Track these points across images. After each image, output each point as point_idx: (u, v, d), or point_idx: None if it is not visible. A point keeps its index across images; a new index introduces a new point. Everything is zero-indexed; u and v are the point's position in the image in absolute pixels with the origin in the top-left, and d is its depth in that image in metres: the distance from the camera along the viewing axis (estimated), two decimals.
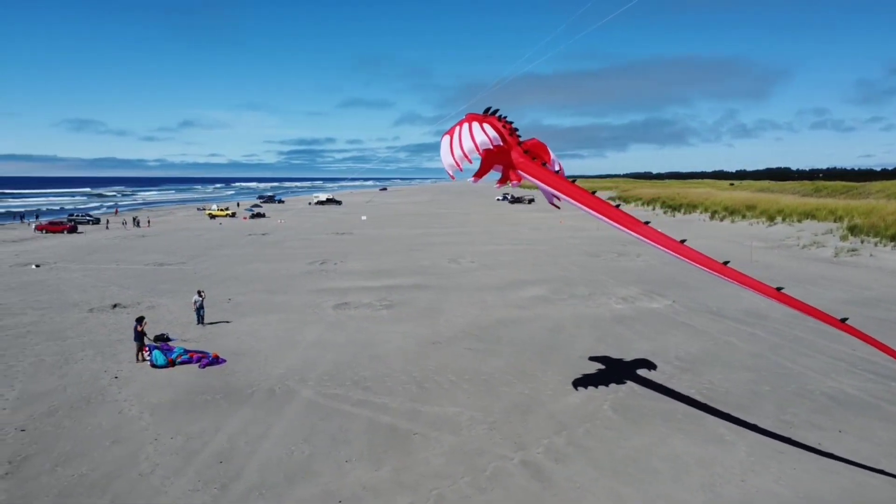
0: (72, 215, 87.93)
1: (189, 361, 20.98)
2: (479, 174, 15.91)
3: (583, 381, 19.26)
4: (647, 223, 14.46)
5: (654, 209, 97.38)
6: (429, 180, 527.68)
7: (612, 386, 18.89)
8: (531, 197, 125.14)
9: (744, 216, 71.53)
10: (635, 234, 14.47)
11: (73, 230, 71.56)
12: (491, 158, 15.45)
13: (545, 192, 16.16)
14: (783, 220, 63.80)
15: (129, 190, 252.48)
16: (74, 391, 18.60)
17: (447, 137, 15.25)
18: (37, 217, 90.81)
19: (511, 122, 15.61)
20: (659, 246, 14.18)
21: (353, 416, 16.80)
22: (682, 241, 14.09)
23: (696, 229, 66.21)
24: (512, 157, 15.39)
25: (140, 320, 22.01)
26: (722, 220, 74.10)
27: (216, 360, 21.16)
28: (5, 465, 14.02)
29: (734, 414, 16.71)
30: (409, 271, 40.57)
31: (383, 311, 29.11)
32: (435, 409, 17.27)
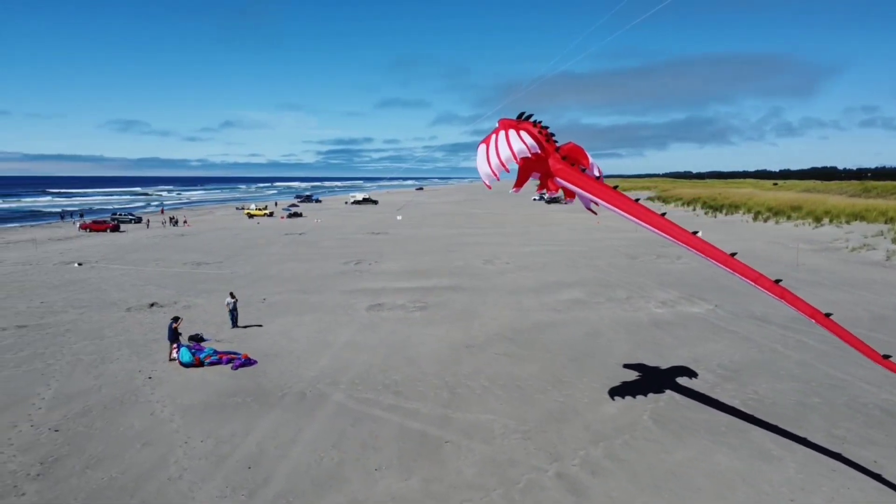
0: (115, 214, 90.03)
1: (218, 362, 20.95)
2: (518, 184, 15.44)
3: (621, 390, 18.62)
4: (695, 233, 13.78)
5: (694, 210, 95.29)
6: (466, 180, 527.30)
7: (652, 395, 18.20)
8: None
9: (789, 217, 69.37)
10: (682, 244, 13.79)
11: (115, 229, 73.12)
12: (529, 166, 14.93)
13: (582, 198, 15.59)
14: (830, 221, 61.64)
15: (175, 189, 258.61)
16: (109, 391, 18.70)
17: (483, 146, 14.84)
18: (81, 216, 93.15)
19: (547, 127, 15.08)
20: (708, 258, 13.46)
21: (384, 421, 16.48)
22: (733, 254, 13.38)
23: (738, 231, 64.43)
24: (550, 164, 14.88)
25: (175, 319, 22.12)
26: (766, 221, 71.94)
27: (247, 362, 21.10)
28: (37, 465, 14.07)
29: (782, 427, 15.90)
30: (444, 272, 40.21)
31: (417, 313, 28.79)
32: (467, 415, 16.84)
